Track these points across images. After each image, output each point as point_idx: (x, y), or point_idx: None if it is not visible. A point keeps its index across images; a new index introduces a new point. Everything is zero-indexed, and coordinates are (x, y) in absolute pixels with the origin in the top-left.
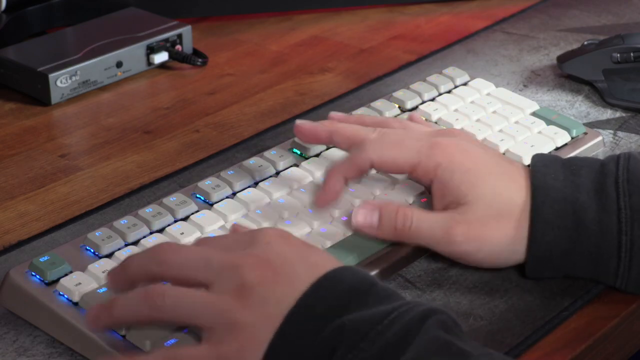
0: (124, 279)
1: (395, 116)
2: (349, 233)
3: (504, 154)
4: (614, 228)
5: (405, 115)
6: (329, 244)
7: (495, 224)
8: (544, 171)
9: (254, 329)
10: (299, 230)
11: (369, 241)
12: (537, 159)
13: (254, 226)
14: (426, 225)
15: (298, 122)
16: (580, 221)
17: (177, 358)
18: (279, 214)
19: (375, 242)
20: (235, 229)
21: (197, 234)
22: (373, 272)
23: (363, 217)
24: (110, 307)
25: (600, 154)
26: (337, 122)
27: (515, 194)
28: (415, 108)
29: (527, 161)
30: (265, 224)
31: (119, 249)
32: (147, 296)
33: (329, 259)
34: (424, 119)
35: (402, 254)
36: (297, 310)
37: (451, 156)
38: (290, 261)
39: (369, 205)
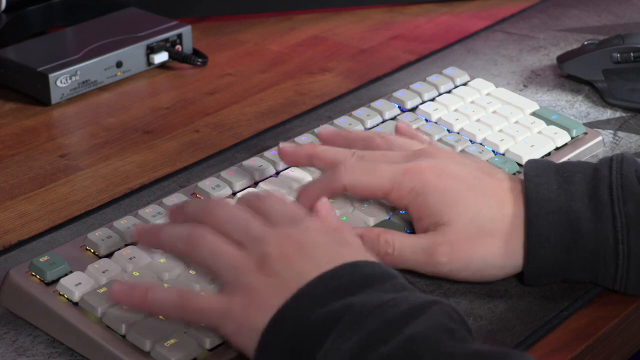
0: (180, 214)
1: (396, 116)
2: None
3: (503, 154)
4: (610, 236)
5: (406, 115)
6: None
7: (479, 242)
8: (537, 181)
9: (265, 294)
10: None
11: None
12: (530, 167)
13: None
14: (409, 250)
15: (281, 144)
16: (576, 230)
17: (190, 298)
18: None
19: None
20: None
21: None
22: None
23: None
24: (159, 230)
25: (601, 154)
26: (317, 145)
27: (498, 210)
28: (415, 108)
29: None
30: None
31: (119, 249)
32: (190, 232)
33: (360, 254)
34: (412, 125)
35: None
36: (311, 284)
37: (424, 180)
38: (319, 249)
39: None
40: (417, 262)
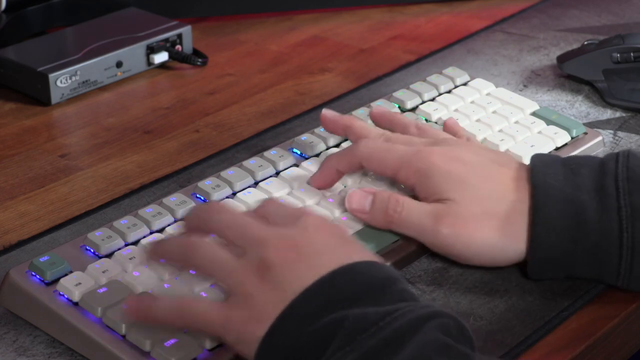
0: (186, 227)
1: None
2: (349, 233)
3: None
4: (615, 227)
5: (407, 114)
6: None
7: (481, 222)
8: (544, 171)
9: (264, 304)
10: None
11: (369, 241)
12: (537, 158)
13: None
14: (416, 213)
15: (324, 110)
16: (581, 221)
17: (191, 307)
18: None
19: (375, 242)
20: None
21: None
22: None
23: (356, 202)
24: (159, 242)
25: (601, 154)
26: (355, 118)
27: (502, 196)
28: (415, 108)
29: (527, 161)
30: None
31: (119, 249)
32: (187, 243)
33: (361, 253)
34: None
35: (402, 254)
36: (307, 294)
37: (431, 161)
38: (319, 249)
39: (363, 190)
40: (421, 226)
